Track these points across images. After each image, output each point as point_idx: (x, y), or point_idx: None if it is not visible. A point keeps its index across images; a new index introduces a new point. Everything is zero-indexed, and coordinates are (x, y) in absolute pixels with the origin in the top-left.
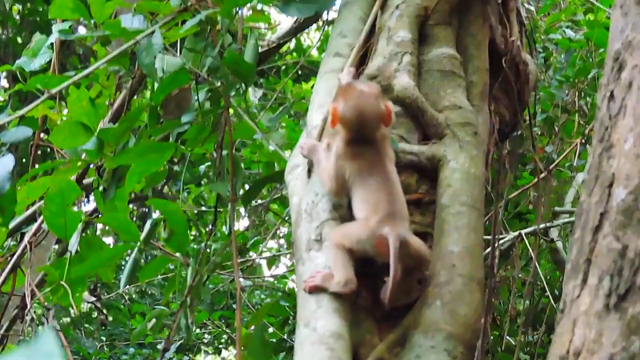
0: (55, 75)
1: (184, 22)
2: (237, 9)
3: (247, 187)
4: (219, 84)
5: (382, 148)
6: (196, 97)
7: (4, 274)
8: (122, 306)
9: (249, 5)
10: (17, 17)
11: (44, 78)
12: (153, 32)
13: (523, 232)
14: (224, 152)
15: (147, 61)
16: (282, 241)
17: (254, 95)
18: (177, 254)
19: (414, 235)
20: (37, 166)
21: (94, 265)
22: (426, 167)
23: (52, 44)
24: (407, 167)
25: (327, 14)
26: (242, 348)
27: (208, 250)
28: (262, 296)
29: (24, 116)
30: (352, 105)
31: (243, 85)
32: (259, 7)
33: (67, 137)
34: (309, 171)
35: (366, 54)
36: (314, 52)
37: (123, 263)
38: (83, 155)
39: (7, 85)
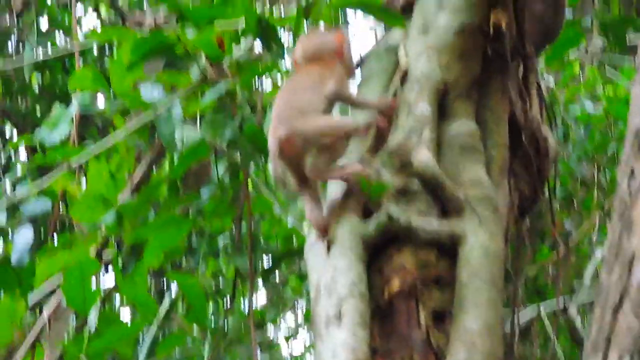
0: (75, 147)
1: (203, 92)
2: (257, 80)
3: (265, 259)
4: (238, 156)
5: (322, 71)
6: (215, 171)
7: (24, 350)
8: None
9: (269, 79)
10: (36, 87)
11: (63, 150)
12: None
13: (542, 308)
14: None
15: (166, 132)
16: (300, 317)
17: None
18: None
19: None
20: (55, 238)
21: (111, 341)
22: (445, 244)
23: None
24: (427, 244)
25: None
26: None
27: (225, 325)
28: None
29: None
30: (304, 40)
31: (262, 158)
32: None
33: (87, 211)
34: (328, 248)
35: None
36: None
37: (141, 336)
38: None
39: (25, 154)
